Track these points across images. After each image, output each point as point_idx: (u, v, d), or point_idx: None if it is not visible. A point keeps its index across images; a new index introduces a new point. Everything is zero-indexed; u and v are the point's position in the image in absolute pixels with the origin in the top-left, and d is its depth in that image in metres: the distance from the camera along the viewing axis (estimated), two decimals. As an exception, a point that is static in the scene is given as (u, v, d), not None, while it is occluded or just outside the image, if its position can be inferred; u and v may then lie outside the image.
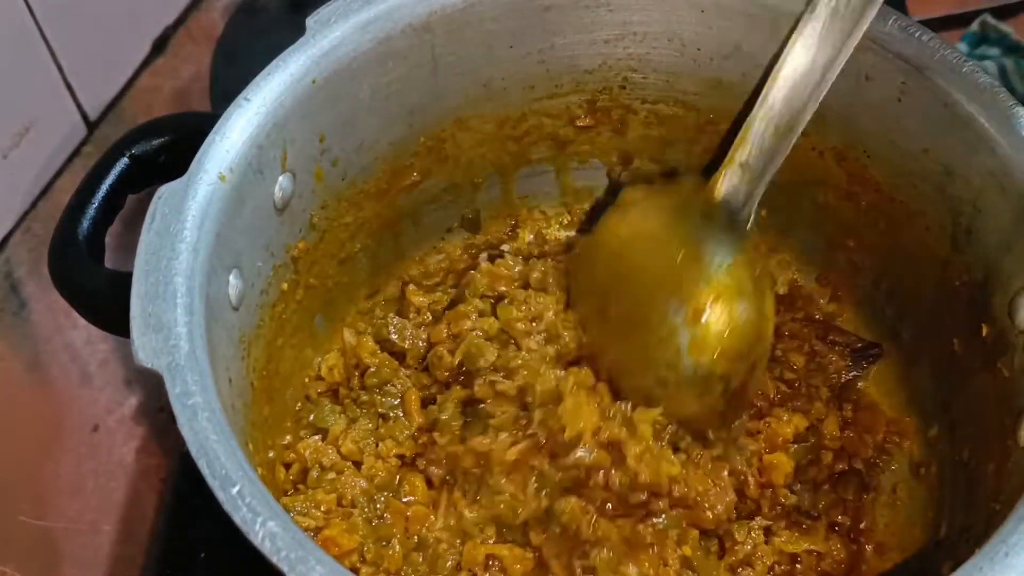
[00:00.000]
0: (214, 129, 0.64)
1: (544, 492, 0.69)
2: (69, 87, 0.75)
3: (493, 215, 0.90)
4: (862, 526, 0.72)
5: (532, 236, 0.90)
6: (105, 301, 0.64)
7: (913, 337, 0.78)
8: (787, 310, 0.82)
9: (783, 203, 0.84)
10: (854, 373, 0.79)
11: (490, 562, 0.69)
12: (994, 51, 1.07)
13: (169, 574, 0.76)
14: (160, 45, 0.85)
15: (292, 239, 0.73)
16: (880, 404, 0.78)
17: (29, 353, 0.76)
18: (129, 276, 0.59)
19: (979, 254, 0.68)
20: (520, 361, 0.74)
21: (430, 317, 0.80)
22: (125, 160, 0.69)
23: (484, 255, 0.84)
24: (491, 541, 0.70)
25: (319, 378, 0.79)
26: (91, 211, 0.67)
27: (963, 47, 1.08)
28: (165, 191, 0.62)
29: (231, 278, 0.65)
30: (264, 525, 0.48)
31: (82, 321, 0.64)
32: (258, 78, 0.67)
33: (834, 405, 0.77)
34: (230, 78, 0.66)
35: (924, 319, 0.76)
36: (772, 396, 0.75)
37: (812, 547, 0.69)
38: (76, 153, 0.78)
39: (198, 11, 0.89)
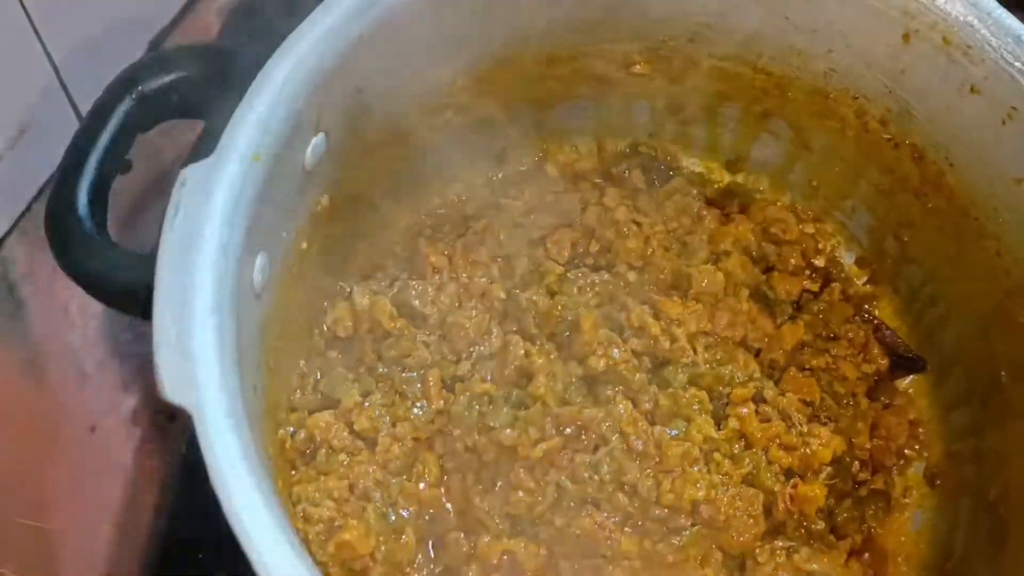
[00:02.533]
0: (245, 100, 0.55)
1: (563, 501, 0.67)
2: (64, 88, 0.71)
3: (521, 145, 0.82)
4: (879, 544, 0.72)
5: (558, 171, 0.83)
6: (114, 284, 0.57)
7: (954, 348, 0.75)
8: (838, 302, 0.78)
9: (838, 178, 0.79)
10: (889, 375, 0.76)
11: (503, 556, 0.67)
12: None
13: (167, 575, 0.74)
14: (156, 46, 0.80)
15: (316, 197, 0.66)
16: (906, 406, 0.76)
17: (26, 354, 0.73)
18: (143, 260, 0.52)
19: (1054, 307, 0.65)
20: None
21: (448, 276, 0.74)
22: (130, 100, 0.60)
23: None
24: (505, 537, 0.68)
25: (328, 329, 0.73)
26: (90, 171, 0.58)
27: None
28: (190, 176, 0.53)
29: (257, 262, 0.58)
30: None
31: (80, 322, 0.59)
32: (291, 37, 0.57)
33: (866, 407, 0.75)
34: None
35: (971, 335, 0.73)
36: (817, 404, 0.72)
37: (829, 571, 0.69)
38: None
39: (194, 12, 0.84)
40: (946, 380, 0.76)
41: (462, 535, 0.68)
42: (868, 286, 0.80)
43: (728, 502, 0.67)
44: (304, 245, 0.66)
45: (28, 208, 0.70)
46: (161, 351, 0.50)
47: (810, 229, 0.82)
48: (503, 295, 0.74)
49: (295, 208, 0.63)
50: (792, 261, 0.79)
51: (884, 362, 0.77)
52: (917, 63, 0.66)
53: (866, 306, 0.79)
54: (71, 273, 0.57)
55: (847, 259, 0.81)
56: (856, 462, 0.73)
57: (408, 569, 0.66)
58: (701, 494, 0.66)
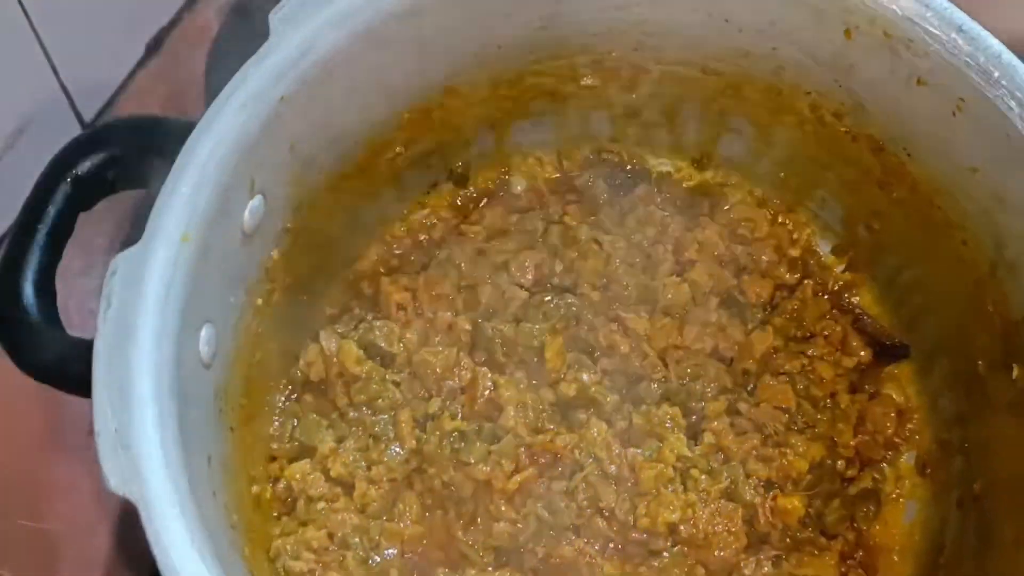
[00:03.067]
0: (168, 184, 0.55)
1: (543, 531, 0.67)
2: (64, 88, 0.73)
3: (483, 165, 0.81)
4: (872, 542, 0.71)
5: (524, 184, 0.82)
6: (67, 373, 0.57)
7: (936, 336, 0.73)
8: (812, 298, 0.77)
9: (805, 170, 0.77)
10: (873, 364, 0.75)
11: (491, 586, 0.68)
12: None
13: (165, 576, 0.75)
14: (155, 46, 0.82)
15: (265, 254, 0.65)
16: (893, 395, 0.75)
17: None
18: (89, 345, 0.53)
19: (1021, 292, 0.63)
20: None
21: (412, 313, 0.74)
22: (66, 187, 0.60)
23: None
24: (491, 568, 0.68)
25: (300, 373, 0.74)
26: (33, 261, 0.58)
27: None
28: (120, 265, 0.54)
29: (203, 333, 0.58)
30: None
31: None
32: (211, 109, 0.57)
33: (848, 404, 0.73)
34: (225, 79, 0.57)
35: (949, 324, 0.71)
36: (793, 410, 0.71)
37: (819, 573, 0.68)
38: None
39: (192, 12, 0.86)
40: (931, 368, 0.74)
41: (447, 571, 0.69)
42: (847, 273, 0.78)
43: (707, 519, 0.67)
44: (259, 302, 0.66)
45: None
46: (102, 444, 0.50)
47: (783, 220, 0.80)
48: (468, 327, 0.73)
49: (241, 272, 0.63)
50: (764, 258, 0.77)
51: (866, 353, 0.75)
52: (863, 58, 0.64)
53: (846, 295, 0.77)
54: (23, 368, 0.58)
55: (823, 248, 0.79)
56: (841, 461, 0.72)
57: None
58: (675, 516, 0.66)
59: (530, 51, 0.70)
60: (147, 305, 0.53)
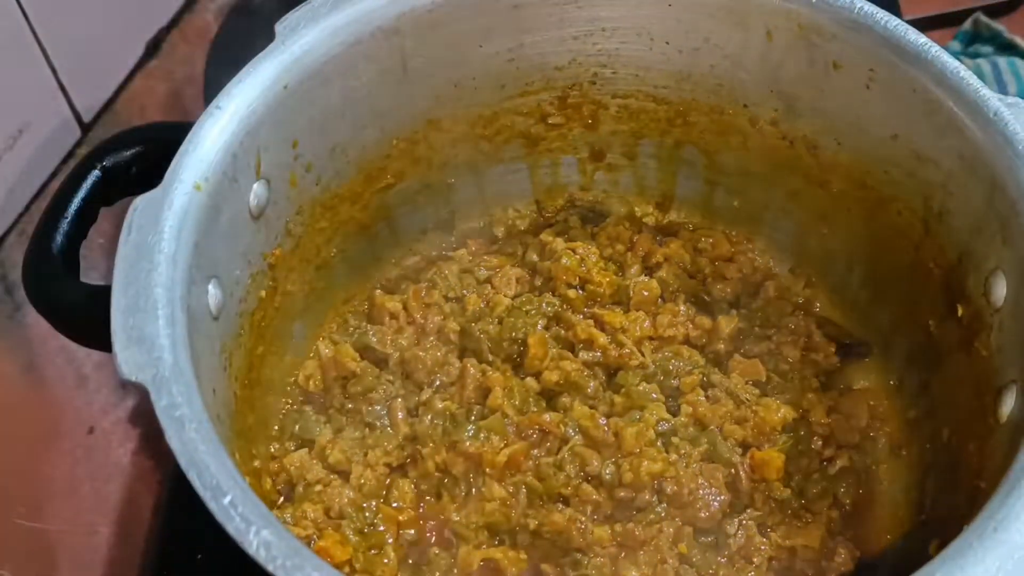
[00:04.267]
0: (187, 138, 0.64)
1: (534, 502, 0.69)
2: (63, 89, 0.75)
3: (467, 214, 0.90)
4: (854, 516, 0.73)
5: (503, 231, 0.90)
6: (84, 316, 0.63)
7: (890, 321, 0.79)
8: (775, 300, 0.83)
9: (755, 192, 0.85)
10: (839, 365, 0.79)
11: (484, 564, 0.69)
12: (987, 49, 1.08)
13: (166, 575, 0.75)
14: (154, 47, 0.84)
15: (269, 246, 0.72)
16: (861, 389, 0.79)
17: (25, 356, 0.76)
18: (107, 290, 0.58)
19: (952, 236, 0.69)
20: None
21: (404, 320, 0.80)
22: (96, 173, 0.68)
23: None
24: (484, 546, 0.70)
25: (299, 386, 0.78)
26: (64, 225, 0.66)
27: (956, 45, 1.08)
28: (141, 202, 0.61)
29: (210, 288, 0.64)
30: (258, 534, 0.48)
31: None
32: (229, 85, 0.66)
33: (822, 393, 0.77)
34: (224, 80, 0.66)
35: (900, 303, 0.77)
36: (763, 381, 0.76)
37: (808, 543, 0.69)
38: (70, 155, 0.77)
39: (192, 12, 0.88)
40: (891, 353, 0.79)
41: (440, 550, 0.70)
42: (806, 289, 0.85)
43: (690, 478, 0.69)
44: (263, 294, 0.72)
45: (27, 209, 0.73)
46: (117, 339, 0.55)
47: (742, 249, 0.87)
48: (457, 328, 0.79)
49: (247, 250, 0.70)
50: (726, 275, 0.84)
51: (831, 349, 0.80)
52: (785, 57, 0.74)
53: (807, 308, 0.83)
54: (51, 317, 0.64)
55: (781, 270, 0.86)
56: (818, 439, 0.75)
57: None
58: (658, 467, 0.69)
59: (501, 86, 0.81)
60: (163, 232, 0.60)
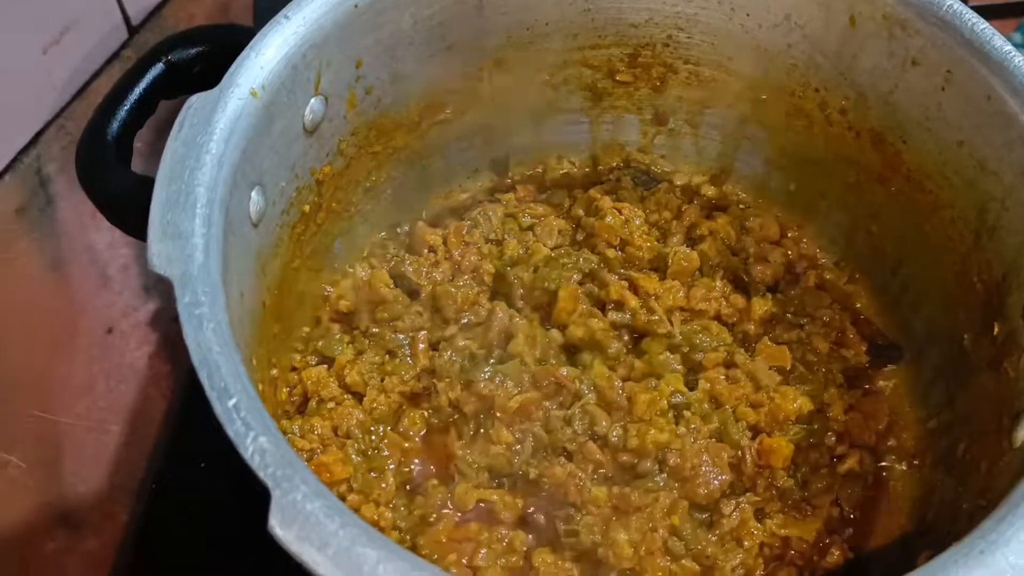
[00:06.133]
0: (250, 44, 0.64)
1: (538, 452, 0.70)
2: None
3: (521, 160, 0.90)
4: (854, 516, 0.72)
5: (557, 176, 0.90)
6: (128, 204, 0.64)
7: (926, 329, 0.77)
8: (814, 290, 0.82)
9: (813, 179, 0.84)
10: (868, 365, 0.79)
11: (480, 504, 0.70)
12: (1053, 41, 1.05)
13: (170, 479, 0.78)
14: None
15: (318, 163, 0.73)
16: (884, 392, 0.78)
17: (52, 251, 0.76)
18: (153, 183, 0.60)
19: (1001, 252, 0.68)
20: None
21: (442, 255, 0.81)
22: (161, 65, 0.69)
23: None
24: (482, 487, 0.71)
25: (330, 304, 0.79)
26: (122, 113, 0.67)
27: (1018, 37, 1.05)
28: (196, 101, 0.62)
29: (253, 195, 0.65)
30: (256, 440, 0.49)
31: (106, 224, 0.64)
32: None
33: (844, 390, 0.77)
34: None
35: (939, 311, 0.75)
36: (787, 369, 0.75)
37: (803, 536, 0.69)
38: (115, 56, 0.78)
39: None
40: (922, 362, 0.78)
41: (439, 483, 0.71)
42: (848, 285, 0.83)
43: (695, 453, 0.69)
44: (306, 208, 0.73)
45: (67, 105, 0.72)
46: (153, 230, 0.57)
47: (792, 235, 0.86)
48: (492, 270, 0.79)
49: (296, 163, 0.70)
50: (769, 258, 0.83)
51: (862, 348, 0.79)
52: (865, 45, 0.72)
53: (845, 303, 0.82)
54: (98, 200, 0.65)
55: (826, 262, 0.85)
56: (832, 434, 0.74)
57: (384, 508, 0.69)
58: (664, 437, 0.69)
59: (573, 35, 0.80)
60: (213, 133, 0.61)
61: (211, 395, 0.51)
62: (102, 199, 0.65)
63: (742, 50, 0.79)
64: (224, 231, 0.59)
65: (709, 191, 0.88)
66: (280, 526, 0.46)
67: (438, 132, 0.83)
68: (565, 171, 0.90)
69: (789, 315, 0.79)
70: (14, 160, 0.73)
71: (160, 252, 0.56)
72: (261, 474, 0.48)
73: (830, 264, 0.85)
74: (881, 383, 0.79)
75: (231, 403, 0.50)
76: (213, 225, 0.58)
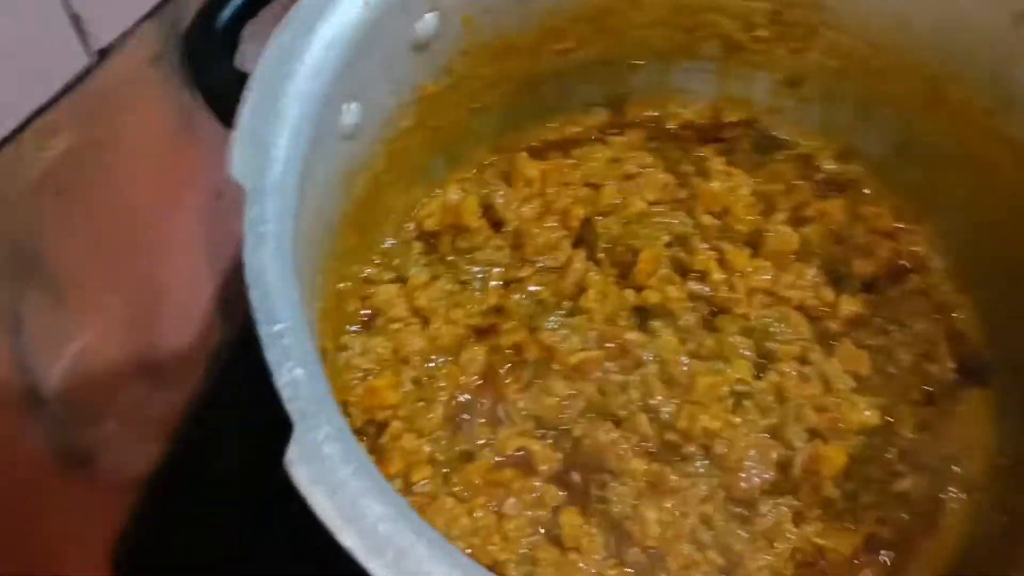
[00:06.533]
0: (364, -45, 0.62)
1: (588, 412, 0.69)
2: None
3: (640, 100, 0.86)
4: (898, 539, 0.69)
5: (674, 125, 0.86)
6: (227, 98, 0.64)
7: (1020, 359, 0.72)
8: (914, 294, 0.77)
9: (943, 174, 0.78)
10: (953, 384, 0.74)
11: (519, 452, 0.70)
12: None
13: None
14: None
15: (424, 80, 0.72)
16: (963, 415, 0.74)
17: (184, 103, 0.75)
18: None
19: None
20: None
21: (536, 190, 0.79)
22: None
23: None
24: (525, 435, 0.70)
25: (416, 221, 0.79)
26: (236, 1, 0.66)
27: None
28: (305, 3, 0.61)
29: (351, 107, 0.64)
30: (291, 371, 0.49)
31: None
32: None
33: (920, 406, 0.73)
34: None
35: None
36: (864, 377, 0.72)
37: (839, 548, 0.67)
38: None
39: None
40: (1011, 391, 0.73)
41: (486, 422, 0.72)
42: (954, 294, 0.78)
43: (743, 446, 0.68)
44: (405, 124, 0.72)
45: None
46: (239, 135, 0.56)
47: (907, 227, 0.81)
48: (582, 215, 0.77)
49: (400, 78, 0.69)
50: (878, 253, 0.78)
51: (951, 365, 0.75)
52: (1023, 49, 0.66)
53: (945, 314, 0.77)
54: (200, 85, 0.66)
55: (936, 265, 0.80)
56: (895, 450, 0.71)
57: (424, 440, 0.70)
58: (716, 425, 0.67)
59: (716, -21, 0.75)
60: (315, 40, 0.60)
61: (257, 316, 0.51)
62: (203, 89, 0.65)
63: (894, 27, 0.73)
64: (311, 143, 0.59)
65: (830, 166, 0.83)
66: (296, 463, 0.47)
67: (555, 62, 0.80)
68: (684, 119, 0.86)
69: (879, 319, 0.74)
70: (156, 7, 0.72)
71: (240, 157, 0.56)
72: (289, 406, 0.49)
73: (940, 268, 0.79)
74: (962, 406, 0.74)
75: (275, 328, 0.51)
76: (301, 136, 0.58)
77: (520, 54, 0.77)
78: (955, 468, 0.72)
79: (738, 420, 0.68)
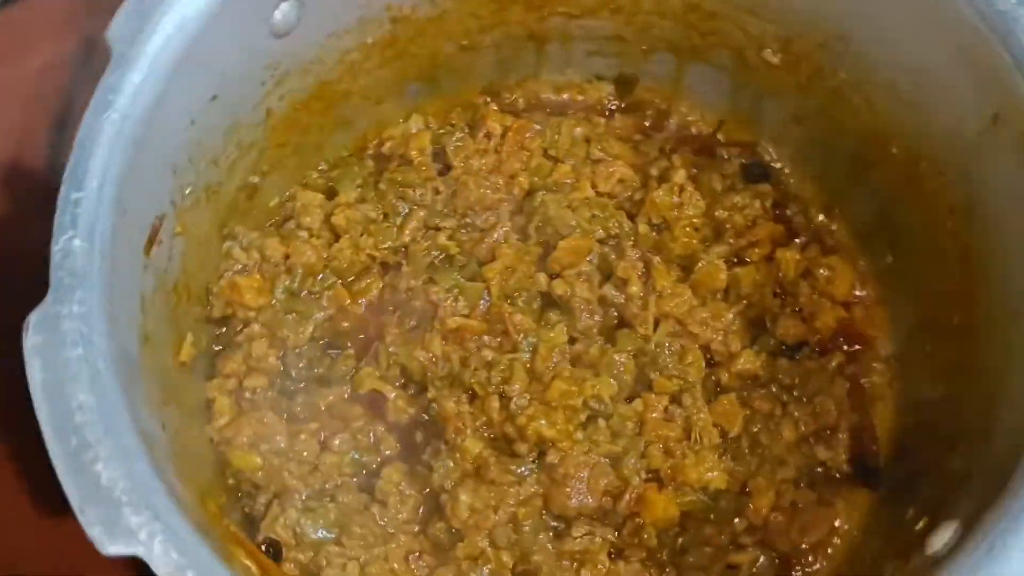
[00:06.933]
0: None
1: (446, 380, 0.68)
2: None
3: (651, 87, 0.81)
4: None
5: (674, 124, 0.82)
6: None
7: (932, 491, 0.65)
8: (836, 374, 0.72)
9: (909, 257, 0.72)
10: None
11: (373, 393, 0.69)
12: None
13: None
14: None
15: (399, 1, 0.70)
16: (839, 508, 0.68)
17: None
18: None
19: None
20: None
21: (493, 146, 0.76)
22: None
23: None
24: (389, 383, 0.69)
25: (378, 140, 0.78)
26: None
27: None
28: None
29: (284, 6, 0.63)
30: (70, 241, 0.49)
31: None
32: None
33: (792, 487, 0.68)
34: None
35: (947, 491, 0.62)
36: (731, 437, 0.68)
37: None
38: None
39: None
40: (897, 506, 0.67)
41: (354, 355, 0.71)
42: (886, 386, 0.72)
43: (577, 464, 0.65)
44: (370, 40, 0.71)
45: None
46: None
47: (861, 300, 0.75)
48: (526, 186, 0.75)
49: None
50: (820, 318, 0.72)
51: (844, 457, 0.69)
52: (996, 154, 0.59)
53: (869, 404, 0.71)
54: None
55: (884, 350, 0.73)
56: (744, 522, 0.67)
57: (280, 351, 0.70)
58: (550, 433, 0.64)
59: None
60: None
61: (66, 176, 0.51)
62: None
63: (888, 85, 0.66)
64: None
65: (808, 216, 0.77)
66: (31, 327, 0.48)
67: (565, 24, 0.76)
68: (687, 119, 0.81)
69: (779, 386, 0.69)
70: None
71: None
72: (53, 272, 0.49)
73: (885, 355, 0.73)
74: (841, 501, 0.68)
75: (76, 195, 0.51)
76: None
77: (520, 5, 0.74)
78: (814, 561, 0.68)
79: (580, 436, 0.65)
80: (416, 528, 0.67)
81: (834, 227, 0.77)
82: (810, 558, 0.68)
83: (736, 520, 0.67)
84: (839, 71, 0.69)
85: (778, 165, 0.79)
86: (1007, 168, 0.57)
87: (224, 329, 0.70)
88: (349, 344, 0.71)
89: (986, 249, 0.61)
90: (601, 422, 0.66)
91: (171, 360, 0.62)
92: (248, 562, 0.54)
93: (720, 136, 0.80)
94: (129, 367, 0.52)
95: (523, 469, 0.66)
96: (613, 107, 0.82)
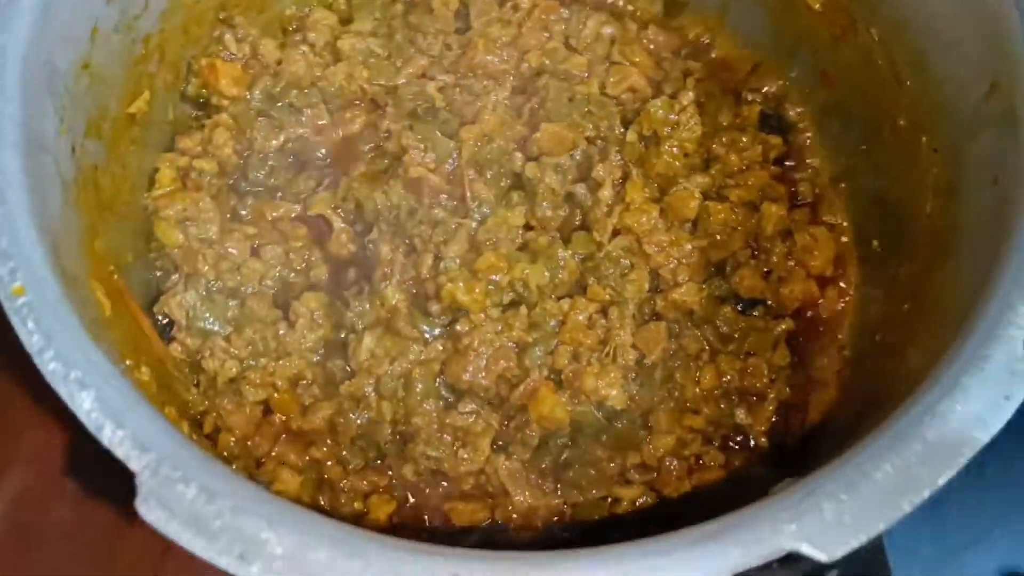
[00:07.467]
0: None
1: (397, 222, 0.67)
2: None
3: (696, 16, 0.79)
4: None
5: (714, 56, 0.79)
6: None
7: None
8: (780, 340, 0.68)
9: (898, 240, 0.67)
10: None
11: (321, 217, 0.69)
12: None
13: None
14: None
15: None
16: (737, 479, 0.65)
17: None
18: None
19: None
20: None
21: (518, 20, 0.74)
22: None
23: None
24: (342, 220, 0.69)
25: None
26: None
27: None
28: None
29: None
30: None
31: None
32: None
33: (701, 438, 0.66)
34: None
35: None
36: (647, 362, 0.65)
37: (521, 500, 0.63)
38: None
39: None
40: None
41: (316, 178, 0.71)
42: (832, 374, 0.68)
43: (483, 339, 0.63)
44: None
45: None
46: None
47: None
48: (536, 66, 0.73)
49: None
50: (789, 285, 0.69)
51: (763, 429, 0.66)
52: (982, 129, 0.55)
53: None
54: None
55: (845, 338, 0.69)
56: (639, 457, 0.64)
57: (238, 152, 0.70)
58: (466, 301, 0.63)
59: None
60: None
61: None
62: None
63: (920, 61, 0.62)
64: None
65: (820, 189, 0.74)
66: None
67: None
68: (727, 54, 0.78)
69: (711, 331, 0.66)
70: None
71: None
72: None
73: (844, 344, 0.69)
74: (739, 473, 0.65)
75: None
76: None
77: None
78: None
79: (496, 315, 0.63)
80: (316, 358, 0.66)
81: (835, 201, 0.73)
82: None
83: (630, 454, 0.64)
84: (872, 27, 0.65)
85: (801, 125, 0.75)
86: (987, 142, 0.54)
87: (197, 113, 0.70)
88: (316, 167, 0.71)
89: (954, 228, 0.57)
90: (523, 310, 0.64)
91: (114, 102, 0.61)
92: (103, 298, 0.53)
93: (752, 81, 0.77)
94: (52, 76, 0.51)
95: (433, 331, 0.64)
96: (655, 27, 0.78)
